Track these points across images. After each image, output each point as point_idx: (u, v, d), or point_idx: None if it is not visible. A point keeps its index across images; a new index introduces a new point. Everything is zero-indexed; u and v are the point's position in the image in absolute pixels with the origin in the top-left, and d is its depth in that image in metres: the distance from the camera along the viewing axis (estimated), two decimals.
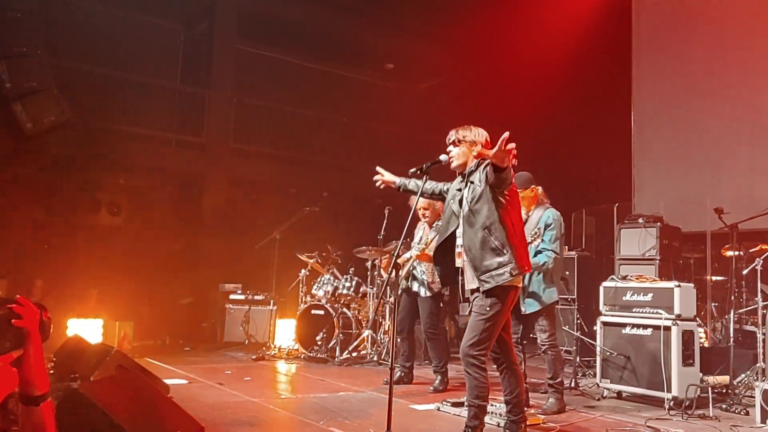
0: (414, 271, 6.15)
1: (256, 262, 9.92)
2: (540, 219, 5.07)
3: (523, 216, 5.14)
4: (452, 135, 3.91)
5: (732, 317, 5.98)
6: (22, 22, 7.12)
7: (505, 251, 3.67)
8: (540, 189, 5.26)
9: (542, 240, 4.98)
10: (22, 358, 1.69)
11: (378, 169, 4.32)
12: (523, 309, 5.02)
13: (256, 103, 11.66)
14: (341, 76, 12.97)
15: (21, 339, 1.69)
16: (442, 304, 6.36)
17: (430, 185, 4.16)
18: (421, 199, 6.09)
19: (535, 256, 4.94)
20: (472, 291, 3.82)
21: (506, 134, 3.36)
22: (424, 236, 6.10)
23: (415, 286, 6.14)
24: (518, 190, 4.96)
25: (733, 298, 6.36)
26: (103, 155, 10.04)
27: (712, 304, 7.33)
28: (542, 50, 10.54)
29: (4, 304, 1.69)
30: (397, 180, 4.27)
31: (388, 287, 6.47)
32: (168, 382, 5.22)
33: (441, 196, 4.17)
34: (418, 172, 3.83)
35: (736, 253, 6.52)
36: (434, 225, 5.99)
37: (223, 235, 10.93)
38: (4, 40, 6.97)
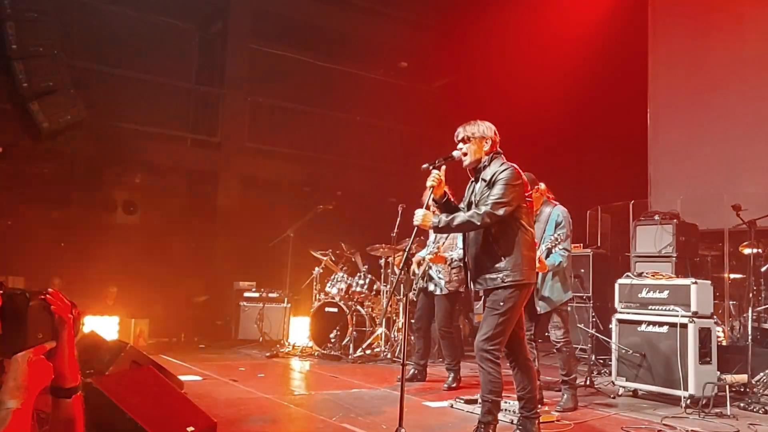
0: (430, 271, 6.18)
1: (270, 260, 9.95)
2: (549, 218, 5.04)
3: None
4: (460, 132, 3.87)
5: (750, 315, 5.90)
6: (39, 22, 7.19)
7: (503, 257, 3.65)
8: (543, 186, 5.20)
9: (555, 239, 4.95)
10: (55, 350, 1.69)
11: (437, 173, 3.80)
12: (538, 309, 5.00)
13: (269, 102, 11.70)
14: (355, 74, 12.96)
15: (55, 330, 1.70)
16: (457, 304, 6.38)
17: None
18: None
19: (547, 256, 4.91)
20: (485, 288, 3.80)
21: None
22: (436, 235, 6.07)
23: (431, 286, 6.17)
24: None
25: (751, 295, 6.27)
26: (119, 154, 10.14)
27: (730, 302, 7.24)
28: (557, 47, 10.46)
29: (37, 295, 1.69)
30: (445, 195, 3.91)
31: (401, 284, 6.46)
32: (182, 378, 5.26)
33: None
34: (430, 167, 3.80)
35: (755, 250, 6.43)
36: None
37: (237, 234, 10.99)
38: (20, 40, 7.04)
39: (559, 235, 4.85)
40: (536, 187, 5.10)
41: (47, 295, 1.71)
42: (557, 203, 5.18)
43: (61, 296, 1.75)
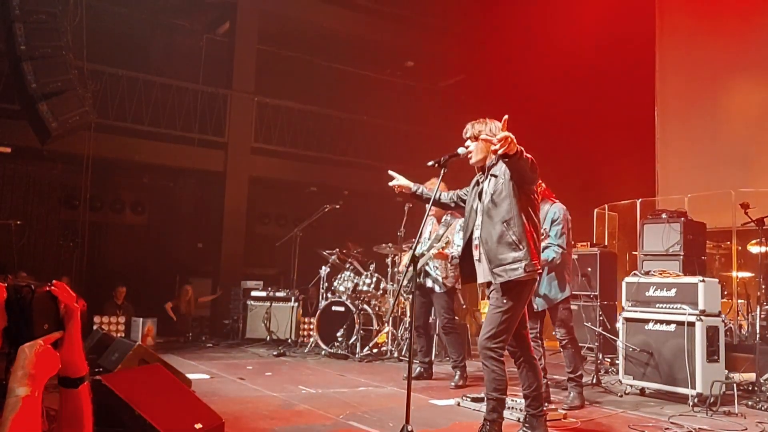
0: (427, 268, 6.13)
1: (278, 259, 9.99)
2: (546, 215, 5.04)
3: None
4: (469, 129, 3.88)
5: (758, 313, 5.87)
6: (47, 23, 7.23)
7: (521, 246, 3.64)
8: (543, 185, 5.21)
9: (548, 236, 4.96)
10: (62, 340, 1.71)
11: (391, 173, 4.24)
12: (535, 306, 5.01)
13: (276, 102, 11.73)
14: (361, 74, 12.99)
15: (61, 321, 1.71)
16: (462, 301, 6.37)
17: (447, 196, 4.20)
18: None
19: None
20: (488, 285, 3.80)
21: (506, 117, 3.40)
22: (434, 231, 6.09)
23: (429, 283, 6.14)
24: None
25: (759, 293, 6.25)
26: (127, 155, 10.20)
27: (738, 300, 7.21)
28: (563, 46, 10.44)
29: (42, 287, 1.71)
30: (413, 186, 4.20)
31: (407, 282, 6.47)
32: (190, 376, 5.27)
33: (459, 205, 4.16)
34: (436, 165, 3.81)
35: (763, 248, 6.40)
36: (443, 220, 6.06)
37: (244, 233, 11.02)
38: (29, 41, 7.09)
39: (544, 230, 4.84)
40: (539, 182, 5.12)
41: (52, 287, 1.73)
42: (556, 201, 5.18)
43: (67, 287, 1.76)
